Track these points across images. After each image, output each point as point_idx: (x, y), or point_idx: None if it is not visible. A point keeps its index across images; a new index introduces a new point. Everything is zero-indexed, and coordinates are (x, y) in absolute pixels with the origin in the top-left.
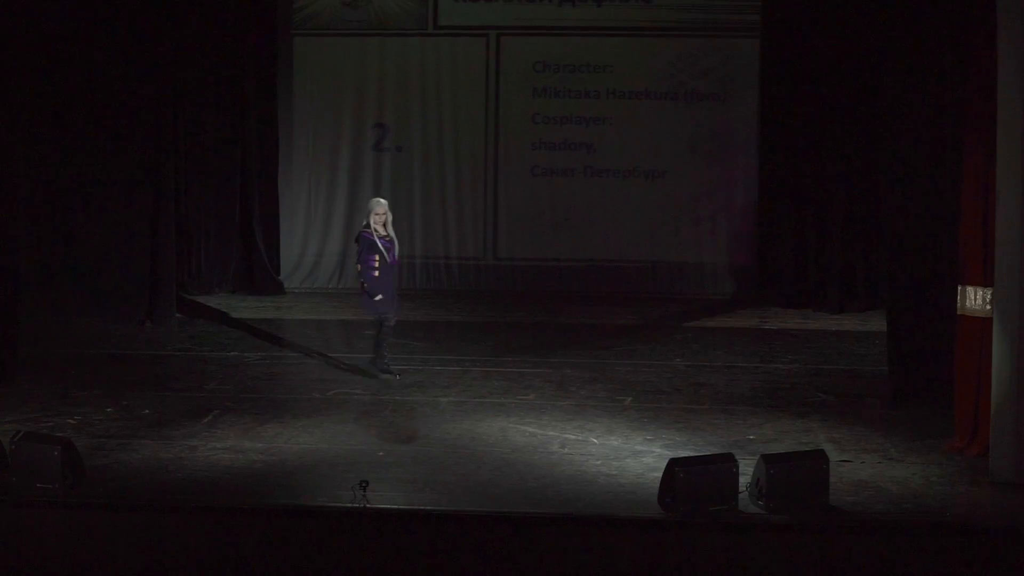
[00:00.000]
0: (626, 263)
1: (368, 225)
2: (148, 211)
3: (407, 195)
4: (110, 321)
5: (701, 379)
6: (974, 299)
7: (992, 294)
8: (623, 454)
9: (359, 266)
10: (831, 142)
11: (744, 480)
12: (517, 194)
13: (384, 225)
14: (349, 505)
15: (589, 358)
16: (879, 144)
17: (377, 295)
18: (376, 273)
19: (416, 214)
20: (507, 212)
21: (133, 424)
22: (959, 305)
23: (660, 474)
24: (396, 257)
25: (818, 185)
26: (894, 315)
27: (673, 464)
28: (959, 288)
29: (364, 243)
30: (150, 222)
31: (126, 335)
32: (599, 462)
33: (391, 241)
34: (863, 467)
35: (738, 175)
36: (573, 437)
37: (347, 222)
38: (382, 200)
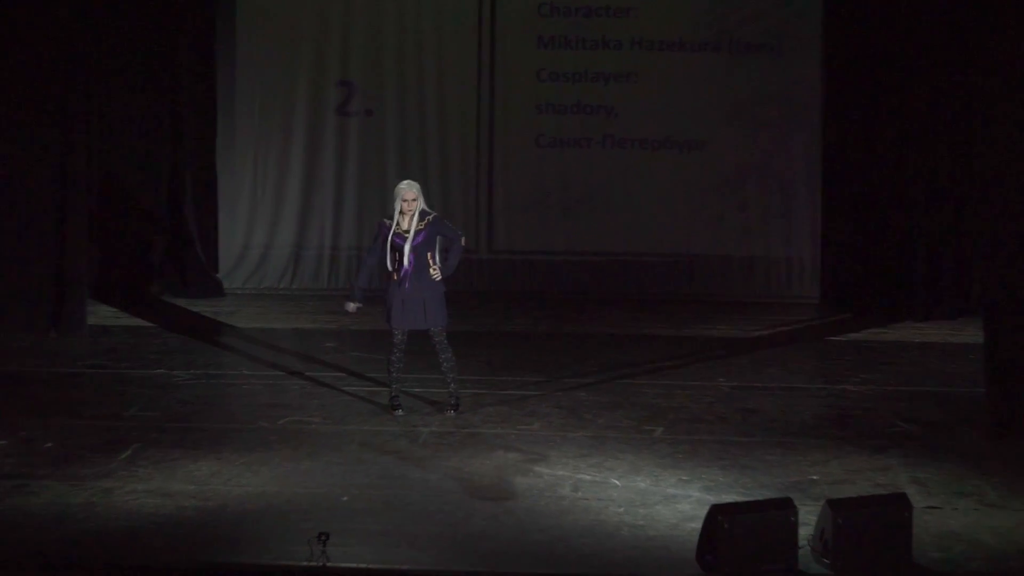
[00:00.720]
0: (655, 258)
1: (391, 215)
2: (53, 200)
3: (378, 171)
4: (6, 331)
5: (751, 404)
6: None
7: None
8: (652, 499)
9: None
10: (914, 108)
11: (805, 532)
12: (518, 171)
13: (412, 217)
14: (305, 564)
15: (609, 377)
16: (976, 112)
17: (353, 304)
18: (393, 275)
19: (388, 193)
20: (506, 194)
21: (33, 461)
22: None
23: (699, 525)
24: (431, 259)
25: (897, 161)
26: (992, 325)
27: (716, 512)
28: None
29: (378, 237)
30: (56, 213)
31: (25, 348)
32: (621, 509)
33: (423, 235)
34: (955, 515)
35: (796, 148)
36: (589, 478)
37: (302, 206)
38: (412, 184)
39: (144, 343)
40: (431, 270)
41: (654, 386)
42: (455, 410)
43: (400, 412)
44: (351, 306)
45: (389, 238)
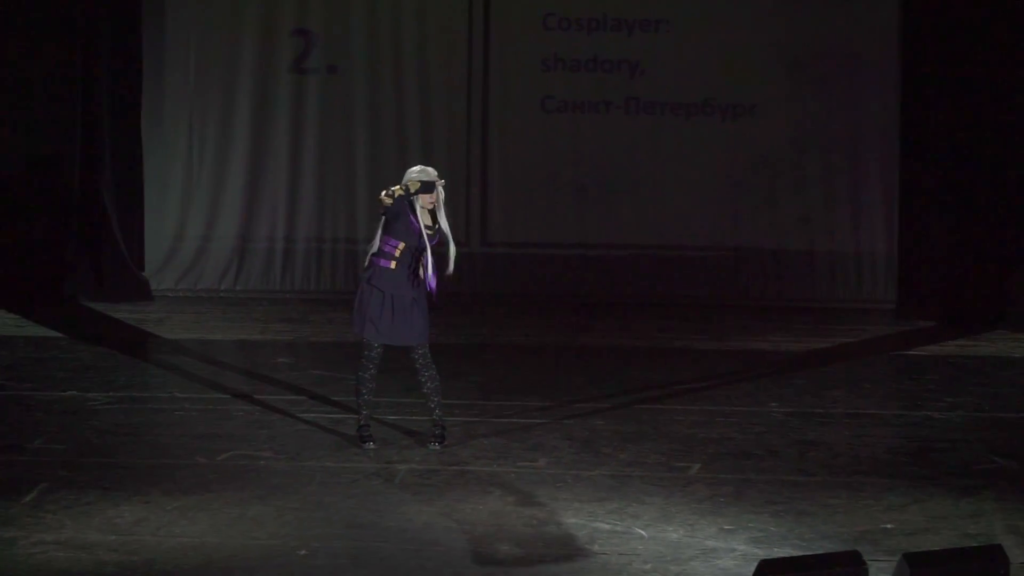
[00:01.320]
0: (691, 252)
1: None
2: None
3: (344, 142)
4: None
5: (809, 434)
6: None
7: None
8: (687, 553)
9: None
10: (1019, 60)
11: None
12: (519, 142)
13: (433, 212)
14: None
15: (632, 401)
16: None
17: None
18: (390, 264)
19: (359, 172)
20: (503, 171)
21: None
22: None
23: None
24: (431, 270)
25: (995, 133)
26: None
27: (766, 569)
28: None
29: (393, 211)
30: None
31: None
32: (648, 566)
33: (436, 237)
34: None
35: (867, 114)
36: (608, 527)
37: (248, 187)
38: (437, 181)
39: (52, 358)
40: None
41: (689, 412)
42: (440, 442)
43: (371, 445)
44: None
45: (417, 230)
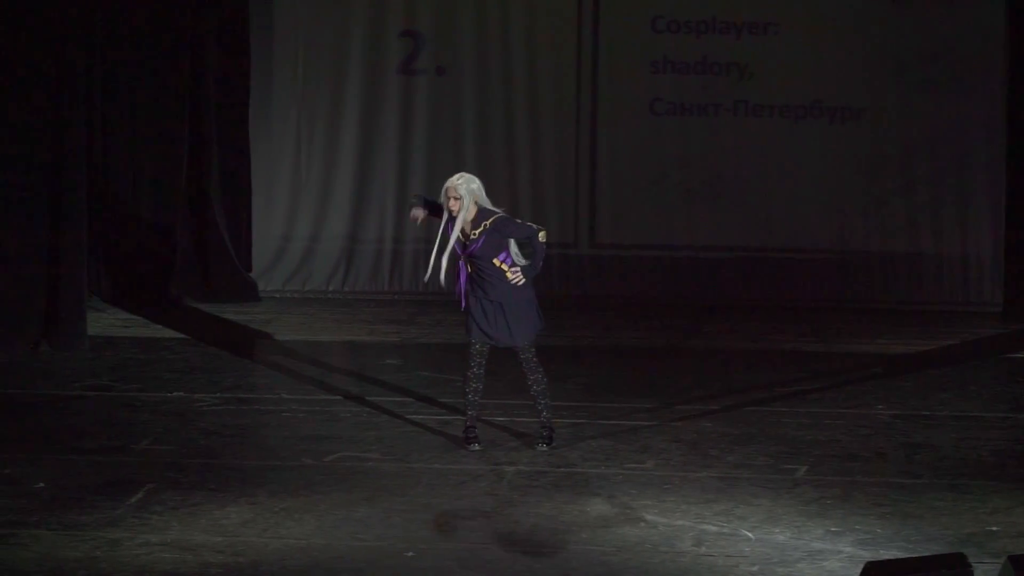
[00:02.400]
0: (798, 254)
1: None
2: (45, 184)
3: (453, 143)
4: None
5: (916, 437)
6: None
7: None
8: (793, 555)
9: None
10: None
11: None
12: (627, 145)
13: (464, 218)
14: None
15: (740, 403)
16: None
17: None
18: (467, 269)
19: (466, 172)
20: (611, 174)
21: (21, 504)
22: None
23: None
24: (476, 266)
25: None
26: None
27: (872, 571)
28: None
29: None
30: (49, 200)
31: (10, 364)
32: (755, 568)
33: (480, 242)
34: None
35: (975, 118)
36: (715, 528)
37: (357, 188)
38: (462, 178)
39: (159, 359)
40: (508, 274)
41: (796, 414)
42: (547, 444)
43: (477, 446)
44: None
45: (453, 236)
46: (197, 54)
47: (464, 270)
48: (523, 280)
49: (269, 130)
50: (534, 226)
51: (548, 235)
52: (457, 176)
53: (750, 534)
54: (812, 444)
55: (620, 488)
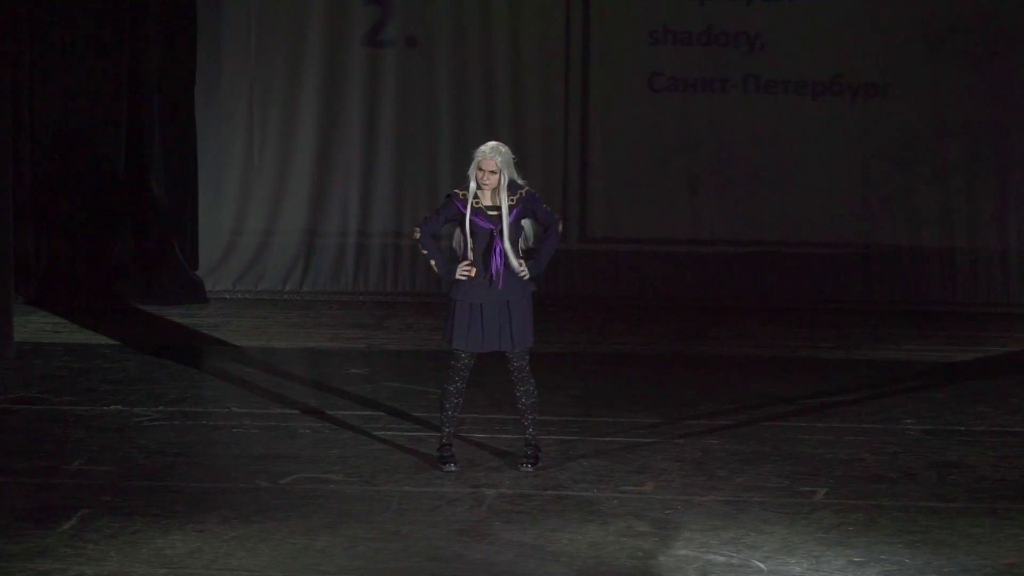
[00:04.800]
0: (817, 249)
1: (467, 187)
2: None
3: (425, 124)
4: None
5: (949, 456)
6: None
7: None
8: None
9: (421, 247)
10: None
11: None
12: (624, 125)
13: (495, 190)
14: None
15: (751, 418)
16: None
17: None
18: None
19: (441, 158)
20: (605, 158)
21: None
22: None
23: None
24: (503, 250)
25: None
26: None
27: None
28: None
29: (442, 213)
30: None
31: None
32: None
33: (515, 213)
34: None
35: (1014, 95)
36: (723, 559)
37: (316, 176)
38: (498, 149)
39: (94, 368)
40: (517, 265)
41: (814, 430)
42: (533, 464)
43: (453, 467)
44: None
45: (468, 218)
46: (135, 23)
47: (499, 247)
48: (528, 275)
49: (217, 112)
50: (555, 214)
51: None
52: (488, 147)
53: (762, 565)
54: (832, 463)
55: (615, 514)
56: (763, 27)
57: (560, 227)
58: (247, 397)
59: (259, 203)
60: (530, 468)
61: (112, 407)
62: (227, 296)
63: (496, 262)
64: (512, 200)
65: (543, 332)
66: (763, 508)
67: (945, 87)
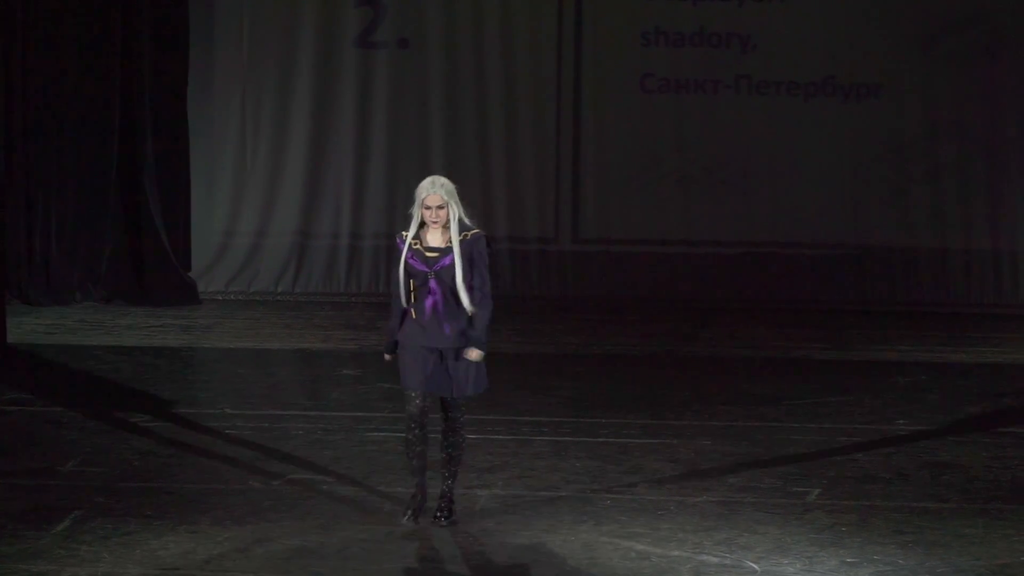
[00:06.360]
0: (810, 250)
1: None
2: None
3: (417, 125)
4: None
5: (943, 456)
6: None
7: None
8: None
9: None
10: None
11: None
12: (616, 126)
13: (444, 226)
14: None
15: (744, 419)
16: None
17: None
18: (411, 312)
19: (433, 159)
20: (597, 159)
21: None
22: None
23: None
24: (446, 288)
25: None
26: None
27: None
28: None
29: (396, 262)
30: None
31: None
32: None
33: (454, 255)
34: None
35: (1008, 96)
36: (715, 560)
37: (309, 177)
38: (439, 184)
39: (87, 369)
40: (468, 304)
41: (807, 431)
42: (447, 518)
43: (406, 518)
44: (389, 357)
45: (403, 259)
46: (128, 24)
47: (436, 291)
48: (479, 357)
49: (210, 113)
50: (489, 282)
51: (526, 228)
52: (427, 182)
53: (755, 566)
54: (825, 464)
55: (608, 514)
56: (755, 28)
57: (490, 303)
58: (240, 398)
59: (251, 205)
60: (444, 523)
61: (105, 409)
62: (220, 297)
63: (428, 304)
64: (462, 236)
65: (536, 333)
66: (756, 509)
67: (937, 88)
